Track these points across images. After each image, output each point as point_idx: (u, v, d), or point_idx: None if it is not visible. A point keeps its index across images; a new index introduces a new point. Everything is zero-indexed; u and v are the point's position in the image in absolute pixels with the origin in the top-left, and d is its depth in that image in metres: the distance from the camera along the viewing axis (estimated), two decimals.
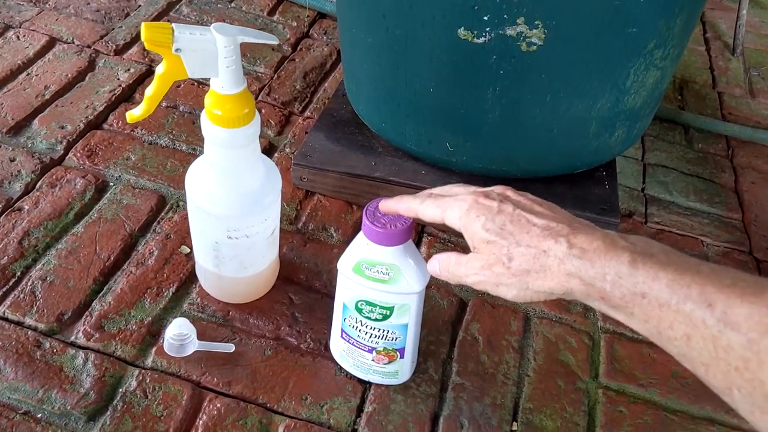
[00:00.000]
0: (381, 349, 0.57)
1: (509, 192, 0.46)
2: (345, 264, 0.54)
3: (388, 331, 0.55)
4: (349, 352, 0.58)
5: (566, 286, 0.40)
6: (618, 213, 0.74)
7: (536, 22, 0.59)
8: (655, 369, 0.66)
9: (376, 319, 0.55)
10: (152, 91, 0.50)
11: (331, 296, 0.60)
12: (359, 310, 0.55)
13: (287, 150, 0.83)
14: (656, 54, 0.64)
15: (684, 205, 0.88)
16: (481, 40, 0.61)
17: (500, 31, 0.60)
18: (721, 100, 1.09)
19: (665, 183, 0.91)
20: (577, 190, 0.76)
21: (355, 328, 0.56)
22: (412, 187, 0.73)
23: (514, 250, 0.42)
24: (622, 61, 0.63)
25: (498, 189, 0.47)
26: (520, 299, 0.43)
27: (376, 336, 0.56)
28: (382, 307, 0.54)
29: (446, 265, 0.47)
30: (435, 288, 0.70)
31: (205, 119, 0.51)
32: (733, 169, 0.96)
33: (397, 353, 0.57)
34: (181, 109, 0.86)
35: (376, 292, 0.53)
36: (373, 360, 0.58)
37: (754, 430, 0.62)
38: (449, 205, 0.46)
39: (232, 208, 0.55)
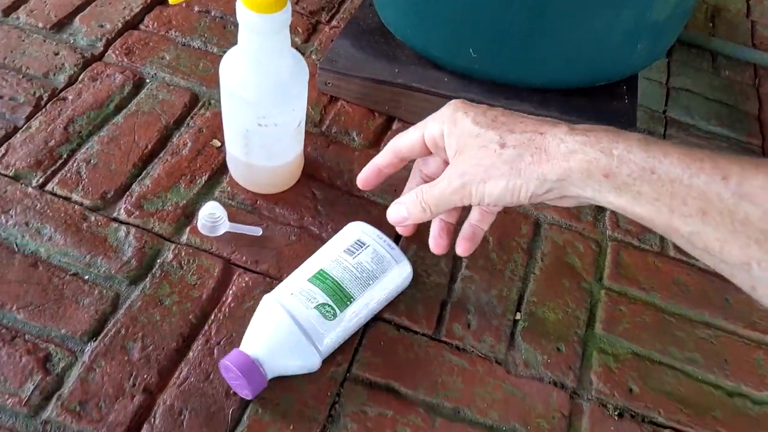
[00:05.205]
0: None
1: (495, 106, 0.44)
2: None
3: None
4: None
5: (564, 166, 0.37)
6: (635, 128, 0.75)
7: None
8: (658, 276, 0.69)
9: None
10: None
11: (351, 194, 0.63)
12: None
13: (313, 57, 0.85)
14: None
15: (704, 129, 0.88)
16: None
17: None
18: (753, 30, 1.08)
19: (687, 107, 0.91)
20: (596, 102, 0.77)
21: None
22: (434, 94, 0.76)
23: (507, 136, 0.39)
24: None
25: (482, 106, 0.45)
26: (505, 196, 0.40)
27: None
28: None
29: (417, 200, 0.44)
30: None
31: (240, 4, 0.54)
32: (758, 97, 0.96)
33: None
34: (213, 14, 0.88)
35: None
36: None
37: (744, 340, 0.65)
38: (429, 118, 0.43)
39: (262, 95, 0.58)
